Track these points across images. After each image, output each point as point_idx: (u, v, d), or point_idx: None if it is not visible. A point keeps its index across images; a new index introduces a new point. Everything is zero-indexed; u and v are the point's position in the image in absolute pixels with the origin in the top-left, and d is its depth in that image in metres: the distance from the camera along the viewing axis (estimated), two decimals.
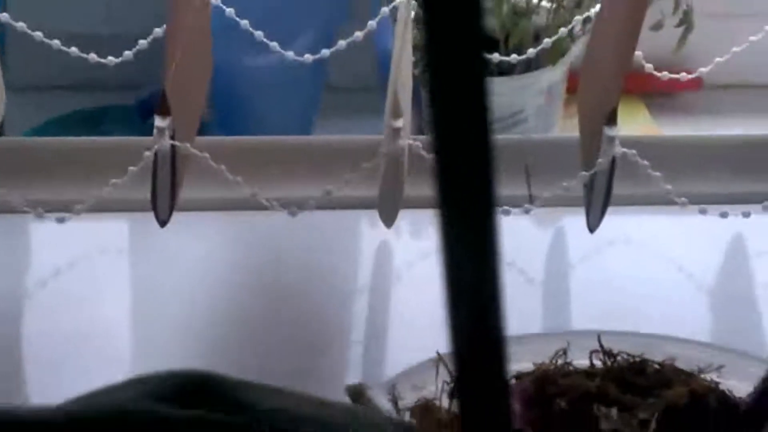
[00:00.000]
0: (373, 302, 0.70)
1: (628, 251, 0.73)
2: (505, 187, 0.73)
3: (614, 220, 0.72)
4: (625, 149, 0.61)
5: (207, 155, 0.62)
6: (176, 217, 0.65)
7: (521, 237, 0.73)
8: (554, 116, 0.88)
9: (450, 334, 0.18)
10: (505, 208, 0.65)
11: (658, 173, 0.63)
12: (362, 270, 0.73)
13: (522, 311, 0.68)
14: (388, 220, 0.64)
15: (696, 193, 0.69)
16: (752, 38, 0.70)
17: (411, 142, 0.62)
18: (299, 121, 0.88)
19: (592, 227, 0.65)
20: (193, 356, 0.62)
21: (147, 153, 0.60)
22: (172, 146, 0.61)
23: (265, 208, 0.64)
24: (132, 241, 0.73)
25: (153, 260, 0.70)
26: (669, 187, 0.63)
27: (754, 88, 0.97)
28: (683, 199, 0.63)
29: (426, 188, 0.65)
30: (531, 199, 0.72)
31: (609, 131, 0.61)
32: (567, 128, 0.87)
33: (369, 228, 0.73)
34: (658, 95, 0.95)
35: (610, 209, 0.67)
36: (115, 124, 0.90)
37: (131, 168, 0.61)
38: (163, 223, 0.64)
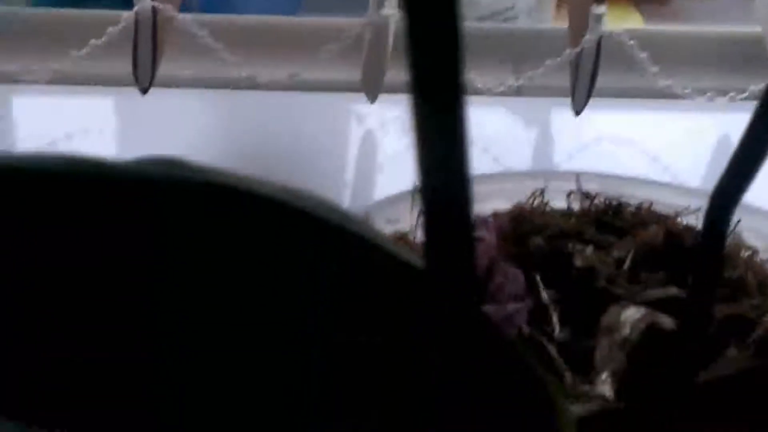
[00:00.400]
0: (357, 186, 0.70)
1: (613, 148, 0.73)
2: (493, 77, 0.73)
3: (600, 116, 0.72)
4: (611, 30, 0.60)
5: (189, 17, 0.60)
6: (159, 93, 0.64)
7: (506, 130, 0.73)
8: (546, 14, 0.87)
9: (418, 169, 0.18)
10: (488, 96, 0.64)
11: (644, 54, 0.62)
12: (347, 155, 0.72)
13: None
14: (371, 93, 0.63)
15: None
16: None
17: (395, 13, 0.60)
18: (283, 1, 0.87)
19: (577, 109, 0.64)
20: None
21: (127, 13, 0.59)
22: (153, 8, 0.60)
23: (255, 87, 0.63)
24: (114, 117, 0.72)
25: (136, 137, 0.69)
26: (655, 69, 0.62)
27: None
28: (668, 83, 0.63)
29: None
30: (518, 90, 0.72)
31: (596, 9, 0.60)
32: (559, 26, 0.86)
33: (355, 111, 0.72)
34: (652, 1, 0.94)
35: (596, 102, 0.67)
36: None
37: (110, 28, 0.59)
38: (144, 90, 0.63)
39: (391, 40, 0.61)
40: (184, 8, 0.66)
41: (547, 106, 0.74)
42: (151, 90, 0.63)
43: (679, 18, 0.94)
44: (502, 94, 0.70)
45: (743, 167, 0.29)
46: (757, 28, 0.73)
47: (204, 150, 0.68)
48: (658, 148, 0.72)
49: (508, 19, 0.84)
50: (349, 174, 0.70)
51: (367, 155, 0.72)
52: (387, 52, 0.61)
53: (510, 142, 0.72)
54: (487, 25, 0.73)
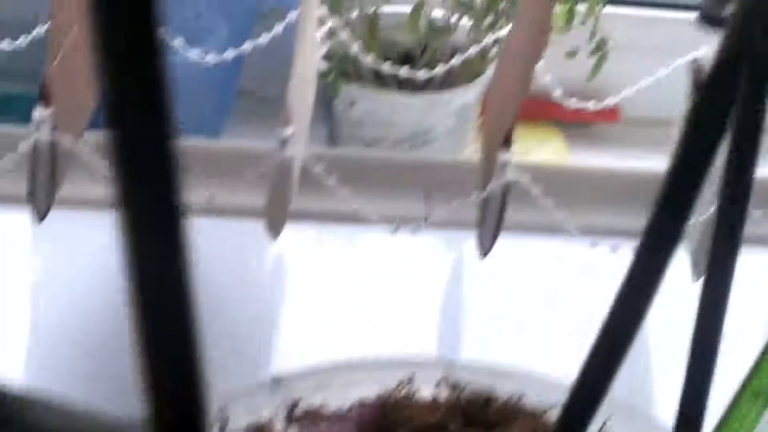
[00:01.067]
0: (261, 311, 0.69)
1: (522, 277, 0.72)
2: (403, 207, 0.73)
3: (512, 245, 0.72)
4: (518, 175, 0.60)
5: (87, 149, 0.59)
6: (57, 213, 0.63)
7: (417, 259, 0.72)
8: (465, 138, 0.87)
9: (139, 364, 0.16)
10: (395, 225, 0.63)
11: (549, 200, 0.61)
12: (254, 280, 0.72)
13: (419, 332, 0.67)
14: (274, 231, 0.62)
15: (591, 225, 0.68)
16: (662, 71, 0.69)
17: (300, 153, 0.60)
18: (208, 124, 0.86)
19: (482, 252, 0.64)
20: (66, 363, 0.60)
21: (23, 144, 0.58)
22: (53, 139, 0.58)
23: None
24: (6, 238, 0.71)
25: (43, 259, 0.68)
26: (561, 215, 0.62)
27: (671, 122, 0.97)
28: (574, 229, 0.62)
29: (318, 201, 0.63)
30: (427, 220, 0.71)
31: (504, 155, 0.59)
32: (478, 151, 0.86)
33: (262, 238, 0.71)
34: (575, 126, 0.94)
35: (508, 233, 0.66)
36: (17, 113, 0.87)
37: (9, 154, 0.58)
38: (40, 220, 0.62)
39: (296, 179, 0.61)
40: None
41: (459, 238, 0.74)
42: (58, 211, 0.62)
43: (602, 141, 0.95)
44: (412, 224, 0.70)
45: (607, 356, 0.27)
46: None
47: (109, 272, 0.67)
48: (566, 278, 0.71)
49: (426, 142, 0.83)
50: (259, 299, 0.69)
51: (277, 280, 0.72)
52: (290, 193, 0.60)
53: (421, 267, 0.72)
54: (400, 153, 0.73)
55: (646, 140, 0.96)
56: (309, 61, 0.64)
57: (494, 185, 0.60)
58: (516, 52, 0.62)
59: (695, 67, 0.24)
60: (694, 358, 0.28)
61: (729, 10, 0.26)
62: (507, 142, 0.59)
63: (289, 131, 0.58)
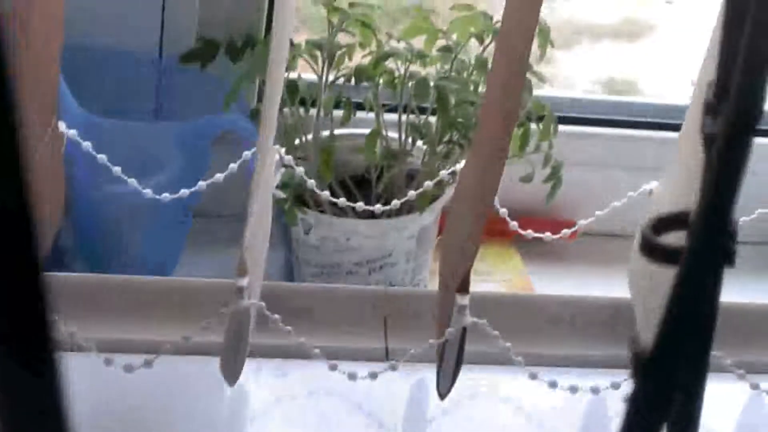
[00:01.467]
0: None
1: (487, 406, 0.72)
2: (363, 340, 0.72)
3: (475, 375, 0.71)
4: (475, 319, 0.60)
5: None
6: None
7: (379, 389, 0.72)
8: (424, 259, 0.87)
9: None
10: (353, 371, 0.63)
11: (508, 344, 0.61)
12: (216, 417, 0.71)
13: None
14: (231, 378, 0.61)
15: (552, 356, 0.68)
16: (631, 193, 0.70)
17: (256, 303, 0.59)
18: (166, 252, 0.86)
19: (441, 393, 0.64)
20: None
21: None
22: None
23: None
24: None
25: None
26: (519, 359, 0.62)
27: (629, 238, 0.98)
28: (534, 371, 0.62)
29: (277, 338, 0.62)
30: (387, 353, 0.71)
31: (460, 300, 0.59)
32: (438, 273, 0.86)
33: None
34: (531, 242, 0.95)
35: (470, 365, 0.66)
36: None
37: None
38: None
39: (251, 327, 0.60)
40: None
41: (419, 366, 0.73)
42: None
43: (561, 259, 0.95)
44: (373, 358, 0.69)
45: None
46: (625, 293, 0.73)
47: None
48: (531, 407, 0.71)
49: (386, 265, 0.83)
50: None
51: (236, 413, 0.71)
52: (246, 340, 0.60)
53: (383, 398, 0.71)
54: (359, 286, 0.72)
55: (604, 254, 0.97)
56: (265, 196, 0.64)
57: (452, 331, 0.60)
58: (472, 183, 0.63)
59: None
60: None
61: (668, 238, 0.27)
62: (463, 287, 0.59)
63: (244, 282, 0.58)
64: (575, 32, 1.26)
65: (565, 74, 1.19)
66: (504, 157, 0.59)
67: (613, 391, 0.71)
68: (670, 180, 0.66)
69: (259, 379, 0.71)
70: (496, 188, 0.60)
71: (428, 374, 0.73)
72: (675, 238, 0.27)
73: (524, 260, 0.94)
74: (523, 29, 0.54)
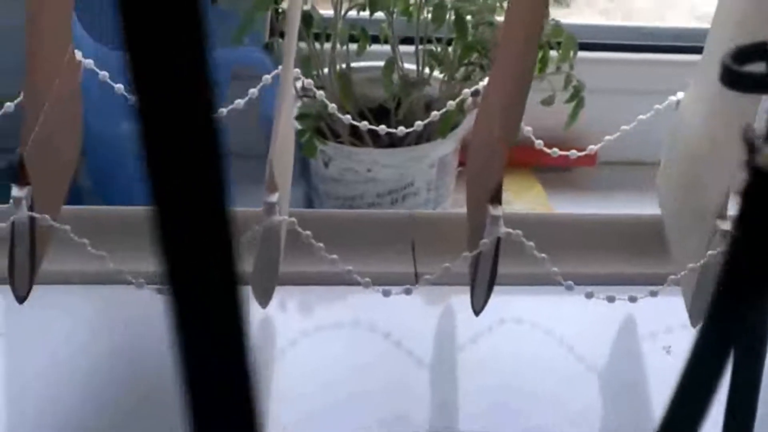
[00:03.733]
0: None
1: (517, 331, 0.71)
2: (391, 265, 0.71)
3: (504, 300, 0.70)
4: (509, 229, 0.59)
5: (68, 227, 0.58)
6: (39, 290, 0.61)
7: (408, 317, 0.71)
8: (446, 189, 0.86)
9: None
10: (387, 288, 0.62)
11: (544, 255, 0.60)
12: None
13: (411, 393, 0.65)
14: (263, 299, 0.60)
15: (583, 274, 0.67)
16: (641, 117, 0.68)
17: (287, 218, 0.58)
18: None
19: (476, 309, 0.63)
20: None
21: (2, 225, 0.56)
22: (31, 218, 0.57)
23: (130, 283, 0.60)
24: None
25: (12, 335, 0.66)
26: (555, 269, 0.61)
27: (648, 165, 0.97)
28: (569, 282, 0.61)
29: (306, 264, 0.61)
30: (416, 278, 0.70)
31: (493, 210, 0.58)
32: (460, 202, 0.85)
33: (250, 303, 0.70)
34: (552, 170, 0.94)
35: (499, 288, 0.65)
36: None
37: None
38: (21, 299, 0.60)
39: (282, 245, 0.59)
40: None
41: (447, 292, 0.73)
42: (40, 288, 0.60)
43: (581, 186, 0.94)
44: (401, 282, 0.68)
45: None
46: (656, 210, 0.72)
47: (84, 346, 0.65)
48: (562, 330, 0.70)
49: (408, 195, 0.82)
50: None
51: (265, 341, 0.70)
52: (278, 259, 0.59)
53: (412, 325, 0.71)
54: (385, 210, 0.71)
55: (623, 182, 0.96)
56: (288, 123, 0.63)
57: (486, 242, 0.59)
58: (496, 103, 0.62)
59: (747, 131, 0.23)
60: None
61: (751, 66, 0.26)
62: (496, 198, 0.58)
63: (274, 197, 0.57)
64: None
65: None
66: (530, 73, 0.58)
67: (643, 314, 0.70)
68: (699, 85, 0.65)
69: (286, 308, 0.70)
70: (524, 103, 0.59)
71: (456, 301, 0.72)
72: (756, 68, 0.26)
73: (546, 190, 0.93)
74: None
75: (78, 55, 0.65)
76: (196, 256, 0.15)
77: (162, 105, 0.14)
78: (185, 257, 0.15)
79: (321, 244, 0.59)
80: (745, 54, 0.26)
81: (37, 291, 0.61)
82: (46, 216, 0.56)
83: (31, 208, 0.57)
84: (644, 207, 0.83)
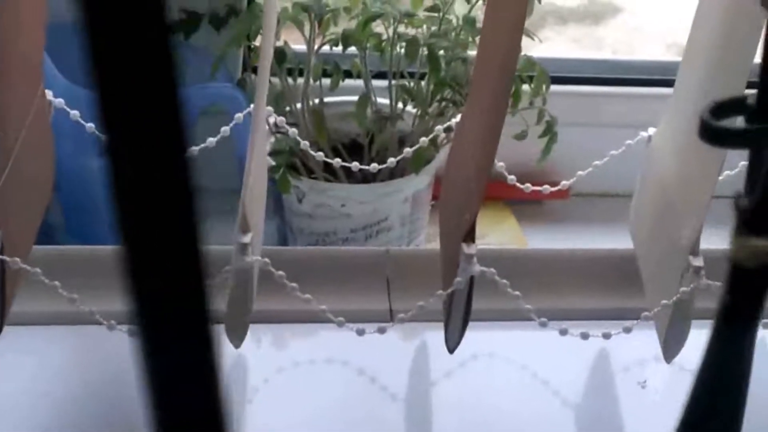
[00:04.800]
0: None
1: (492, 366, 0.71)
2: (366, 301, 0.71)
3: (478, 335, 0.70)
4: (484, 268, 0.59)
5: (39, 270, 0.57)
6: (8, 331, 0.60)
7: (382, 353, 0.71)
8: (420, 224, 0.86)
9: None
10: (361, 327, 0.62)
11: (518, 293, 0.60)
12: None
13: (385, 429, 0.65)
14: (236, 339, 0.60)
15: (558, 309, 0.67)
16: (613, 152, 0.69)
17: (260, 258, 0.58)
18: None
19: (450, 347, 0.62)
20: None
21: None
22: (1, 260, 0.56)
23: (101, 324, 0.60)
24: None
25: None
26: (529, 306, 0.61)
27: (621, 196, 0.97)
28: (543, 319, 0.61)
29: (279, 302, 0.61)
30: (391, 314, 0.70)
31: (467, 249, 0.58)
32: (434, 236, 0.85)
33: (222, 342, 0.69)
34: (526, 203, 0.94)
35: (474, 323, 0.65)
36: None
37: None
38: None
39: (255, 285, 0.59)
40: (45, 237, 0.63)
41: (422, 328, 0.72)
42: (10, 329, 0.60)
43: (554, 219, 0.95)
44: (376, 319, 0.68)
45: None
46: (629, 243, 0.73)
47: (55, 387, 0.64)
48: (536, 365, 0.70)
49: (382, 231, 0.82)
50: None
51: (238, 379, 0.69)
52: (251, 300, 0.59)
53: (386, 361, 0.70)
54: (360, 247, 0.71)
55: (596, 213, 0.96)
56: (261, 159, 0.63)
57: (460, 280, 0.59)
58: (470, 140, 0.62)
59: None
60: None
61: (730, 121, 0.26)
62: (470, 236, 0.58)
63: (247, 238, 0.56)
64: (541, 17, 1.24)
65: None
66: (504, 107, 0.58)
67: (618, 349, 0.70)
68: (671, 120, 0.66)
69: (260, 346, 0.70)
70: (498, 138, 0.59)
71: (431, 336, 0.72)
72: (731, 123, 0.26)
73: (519, 223, 0.93)
74: None
75: (49, 94, 0.65)
76: (167, 296, 0.15)
77: (132, 145, 0.14)
78: (156, 297, 0.14)
79: (295, 284, 0.59)
80: (722, 108, 0.27)
81: (5, 332, 0.60)
82: (17, 259, 0.56)
83: (0, 250, 0.56)
84: (617, 237, 0.83)
